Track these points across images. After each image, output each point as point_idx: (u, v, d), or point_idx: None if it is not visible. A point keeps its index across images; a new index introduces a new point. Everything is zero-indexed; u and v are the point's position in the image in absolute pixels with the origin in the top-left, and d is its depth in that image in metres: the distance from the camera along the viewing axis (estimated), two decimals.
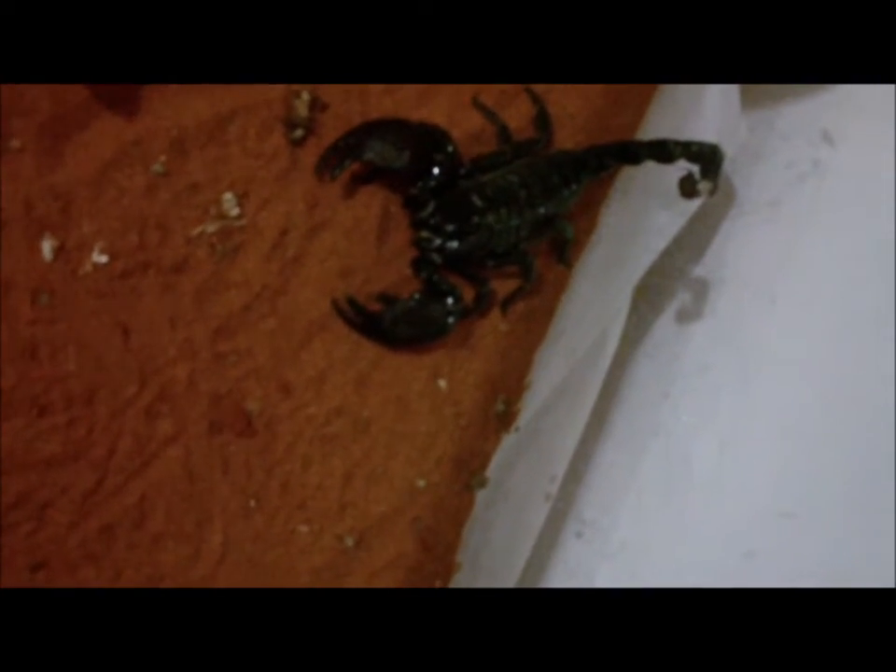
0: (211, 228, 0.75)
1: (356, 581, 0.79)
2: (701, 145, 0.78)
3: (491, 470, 0.84)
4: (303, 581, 0.77)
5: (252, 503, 0.77)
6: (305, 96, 0.77)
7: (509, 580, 0.81)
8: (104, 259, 0.72)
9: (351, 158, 0.78)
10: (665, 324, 0.88)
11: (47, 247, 0.70)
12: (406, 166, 0.79)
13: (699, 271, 0.87)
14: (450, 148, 0.80)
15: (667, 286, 0.88)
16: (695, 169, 0.78)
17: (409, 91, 0.82)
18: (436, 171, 0.80)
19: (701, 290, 0.86)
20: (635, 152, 0.82)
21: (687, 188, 0.78)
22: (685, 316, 0.87)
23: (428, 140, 0.80)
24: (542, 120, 0.86)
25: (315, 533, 0.78)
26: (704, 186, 0.78)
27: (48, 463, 0.71)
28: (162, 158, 0.74)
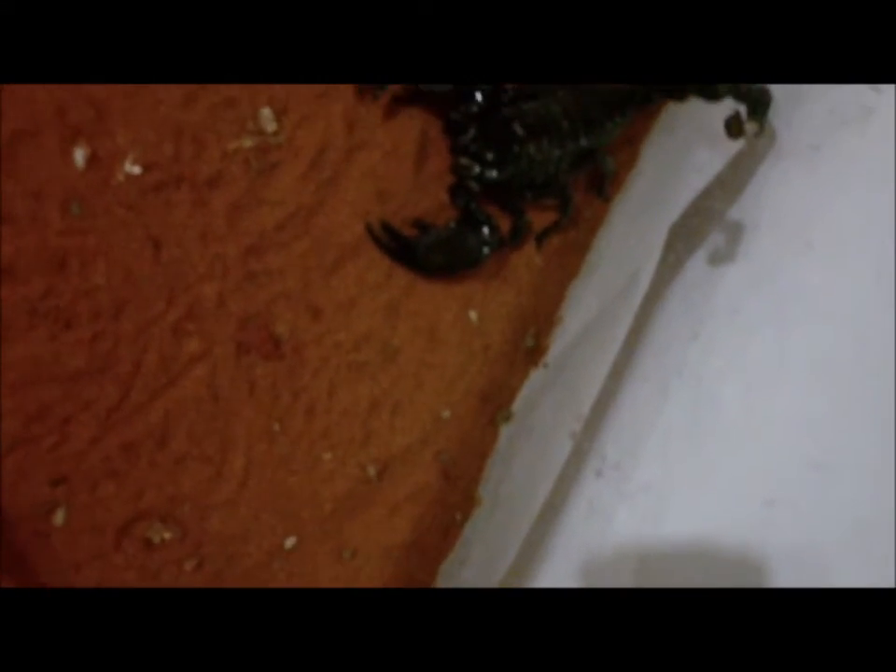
0: (247, 143, 0.73)
1: (377, 511, 0.78)
2: (750, 84, 0.76)
3: (517, 405, 0.83)
4: (326, 508, 0.77)
5: (276, 427, 0.75)
6: None
7: (527, 516, 0.80)
8: (137, 169, 0.70)
9: None
10: (698, 265, 0.86)
11: (79, 156, 0.68)
12: (448, 89, 0.76)
13: (735, 213, 0.86)
14: None
15: (703, 226, 0.86)
16: (742, 109, 0.77)
17: None
18: (478, 96, 0.78)
19: (736, 232, 0.85)
20: (682, 88, 0.80)
21: (734, 128, 0.77)
22: (719, 258, 0.85)
23: None
24: None
25: (338, 460, 0.77)
26: (750, 126, 0.77)
27: (71, 377, 0.70)
28: None
